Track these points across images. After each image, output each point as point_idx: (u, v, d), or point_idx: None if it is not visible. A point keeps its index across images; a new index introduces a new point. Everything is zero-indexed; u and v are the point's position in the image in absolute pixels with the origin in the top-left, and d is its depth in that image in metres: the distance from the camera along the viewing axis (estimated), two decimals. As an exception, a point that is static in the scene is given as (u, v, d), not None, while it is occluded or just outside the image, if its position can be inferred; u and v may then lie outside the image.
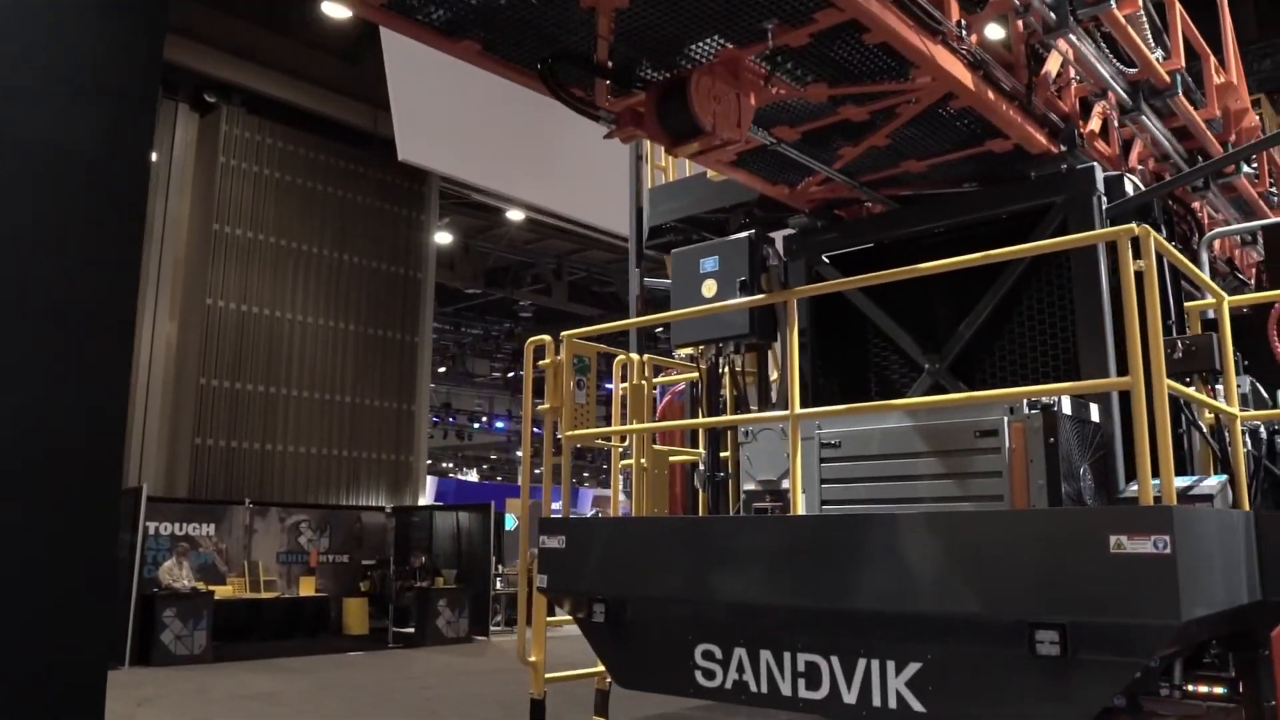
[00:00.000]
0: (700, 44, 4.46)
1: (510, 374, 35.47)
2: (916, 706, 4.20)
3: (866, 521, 4.36)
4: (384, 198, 19.26)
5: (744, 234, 6.31)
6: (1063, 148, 5.43)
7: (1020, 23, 5.17)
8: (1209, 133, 6.39)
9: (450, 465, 46.99)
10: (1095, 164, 5.36)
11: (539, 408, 5.79)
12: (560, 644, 13.95)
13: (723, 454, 6.66)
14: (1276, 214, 7.71)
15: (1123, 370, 5.22)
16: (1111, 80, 5.49)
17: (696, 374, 6.73)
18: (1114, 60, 5.50)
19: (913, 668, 4.23)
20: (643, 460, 6.28)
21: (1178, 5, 5.90)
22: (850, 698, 4.39)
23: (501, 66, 4.57)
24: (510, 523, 18.76)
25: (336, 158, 18.55)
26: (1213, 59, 6.54)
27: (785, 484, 5.36)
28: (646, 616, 5.07)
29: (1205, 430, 4.85)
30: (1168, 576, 3.55)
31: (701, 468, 6.64)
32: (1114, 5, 4.86)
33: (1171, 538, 3.56)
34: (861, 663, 4.37)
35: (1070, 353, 5.40)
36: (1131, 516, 3.67)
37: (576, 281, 30.96)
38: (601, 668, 6.19)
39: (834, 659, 4.45)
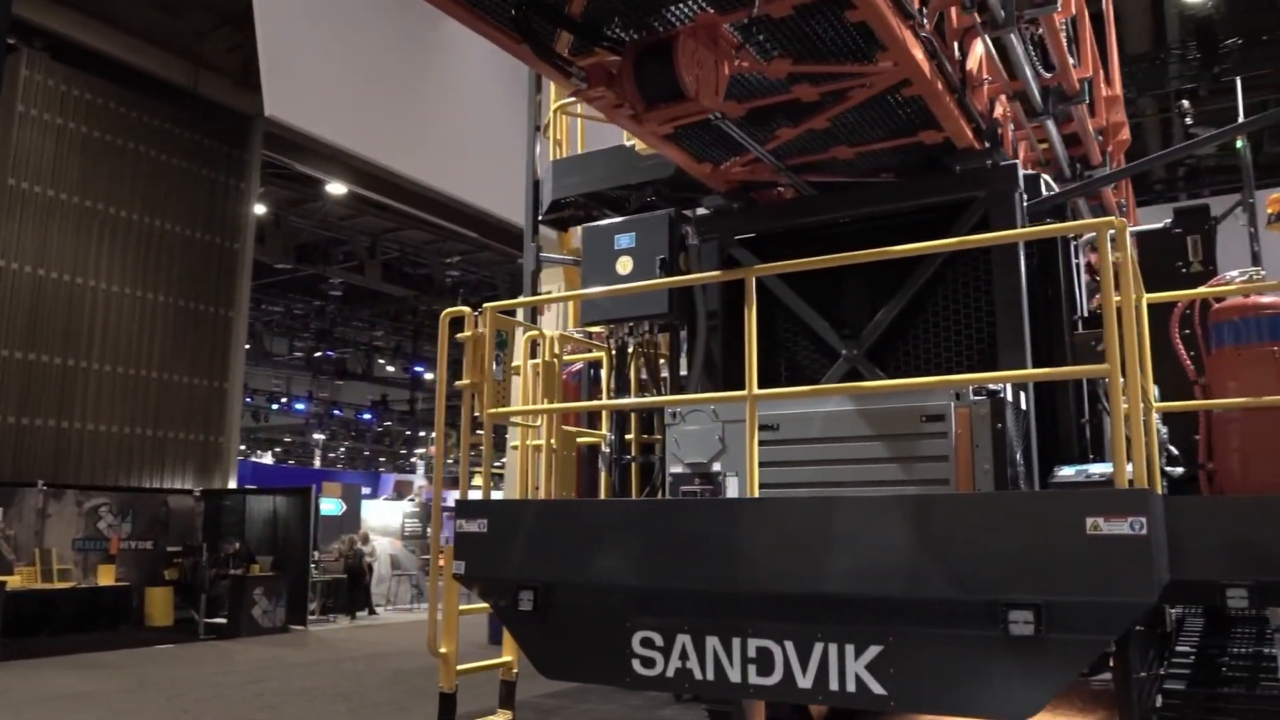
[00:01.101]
0: (679, 5, 4.17)
1: (317, 353, 33.66)
2: (877, 689, 4.10)
3: (831, 504, 4.22)
4: (201, 162, 17.68)
5: (662, 211, 6.08)
6: (986, 144, 5.50)
7: (955, 15, 5.19)
8: (1095, 141, 6.71)
9: (244, 448, 44.25)
10: (1017, 162, 5.46)
11: (457, 384, 5.33)
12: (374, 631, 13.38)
13: (626, 436, 6.42)
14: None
15: (1040, 361, 5.36)
16: (1031, 82, 5.62)
17: (597, 354, 6.43)
18: (1035, 63, 5.64)
19: (873, 651, 4.12)
20: (552, 441, 5.93)
21: (1086, 17, 6.14)
22: (805, 682, 4.23)
23: (468, 14, 4.11)
24: (337, 507, 17.71)
25: (150, 115, 16.85)
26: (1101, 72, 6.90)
27: (716, 467, 5.17)
28: (579, 604, 4.74)
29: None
30: (1143, 556, 3.59)
31: (606, 449, 6.36)
32: (1058, 7, 4.96)
33: (1148, 519, 3.61)
34: (818, 647, 4.23)
35: (986, 342, 5.47)
36: (1109, 499, 3.69)
37: (389, 261, 29.74)
38: (506, 658, 5.80)
39: (788, 644, 4.29)
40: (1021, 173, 5.45)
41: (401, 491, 32.13)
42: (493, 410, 5.19)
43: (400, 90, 10.60)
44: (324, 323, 31.80)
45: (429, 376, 37.07)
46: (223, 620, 14.83)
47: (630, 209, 7.06)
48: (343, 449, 46.28)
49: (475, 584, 5.03)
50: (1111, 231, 3.87)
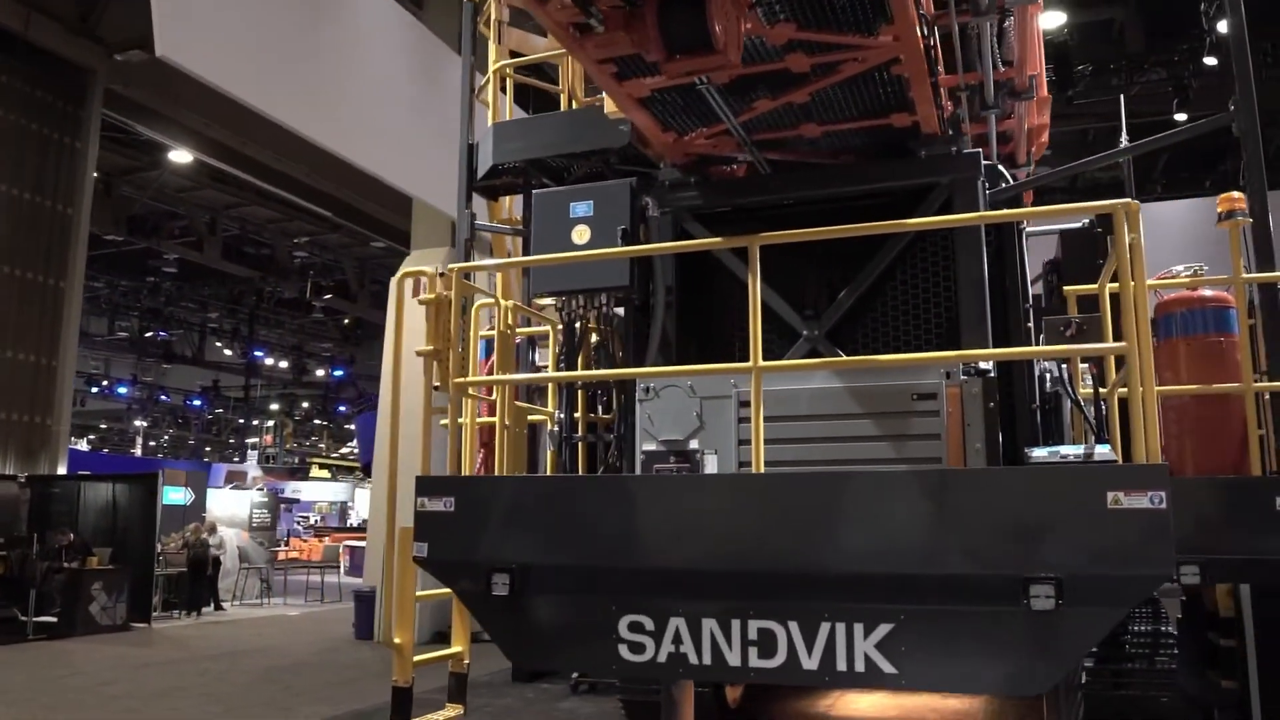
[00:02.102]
0: (703, -48, 3.90)
1: (147, 333, 31.20)
2: (887, 668, 3.98)
3: (843, 480, 4.07)
4: (32, 116, 15.96)
5: (623, 180, 5.80)
6: (950, 131, 5.51)
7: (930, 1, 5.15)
8: (1024, 141, 6.89)
9: (53, 434, 40.65)
10: (980, 151, 5.49)
11: (418, 350, 4.87)
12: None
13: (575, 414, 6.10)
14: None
15: (1000, 342, 5.40)
16: (989, 74, 5.67)
17: (541, 328, 6.07)
18: (996, 55, 5.69)
19: (883, 629, 4.00)
20: (505, 418, 5.54)
21: (1038, 15, 6.26)
22: (811, 663, 4.07)
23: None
24: (186, 496, 16.35)
25: (-28, 61, 15.09)
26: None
27: (693, 444, 4.94)
28: (560, 588, 4.41)
29: (1081, 402, 5.12)
30: (1163, 530, 3.62)
31: (555, 428, 6.02)
32: (1042, -2, 5.01)
33: (1167, 494, 3.63)
34: (825, 627, 4.07)
35: (946, 325, 5.47)
36: (1130, 474, 3.70)
37: (229, 239, 27.91)
38: (457, 648, 5.38)
39: (792, 625, 4.11)
40: (983, 162, 5.49)
41: (234, 482, 30.29)
42: (460, 380, 4.77)
43: (298, 44, 9.83)
44: (155, 301, 29.51)
45: (269, 361, 35.12)
46: (53, 619, 13.42)
47: (570, 179, 6.73)
48: (166, 437, 43.21)
49: (439, 568, 4.61)
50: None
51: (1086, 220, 6.54)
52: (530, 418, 6.24)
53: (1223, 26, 12.53)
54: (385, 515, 4.94)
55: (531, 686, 10.48)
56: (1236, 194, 4.92)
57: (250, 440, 41.22)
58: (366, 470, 39.57)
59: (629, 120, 6.14)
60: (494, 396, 6.32)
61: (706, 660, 4.19)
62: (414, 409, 14.54)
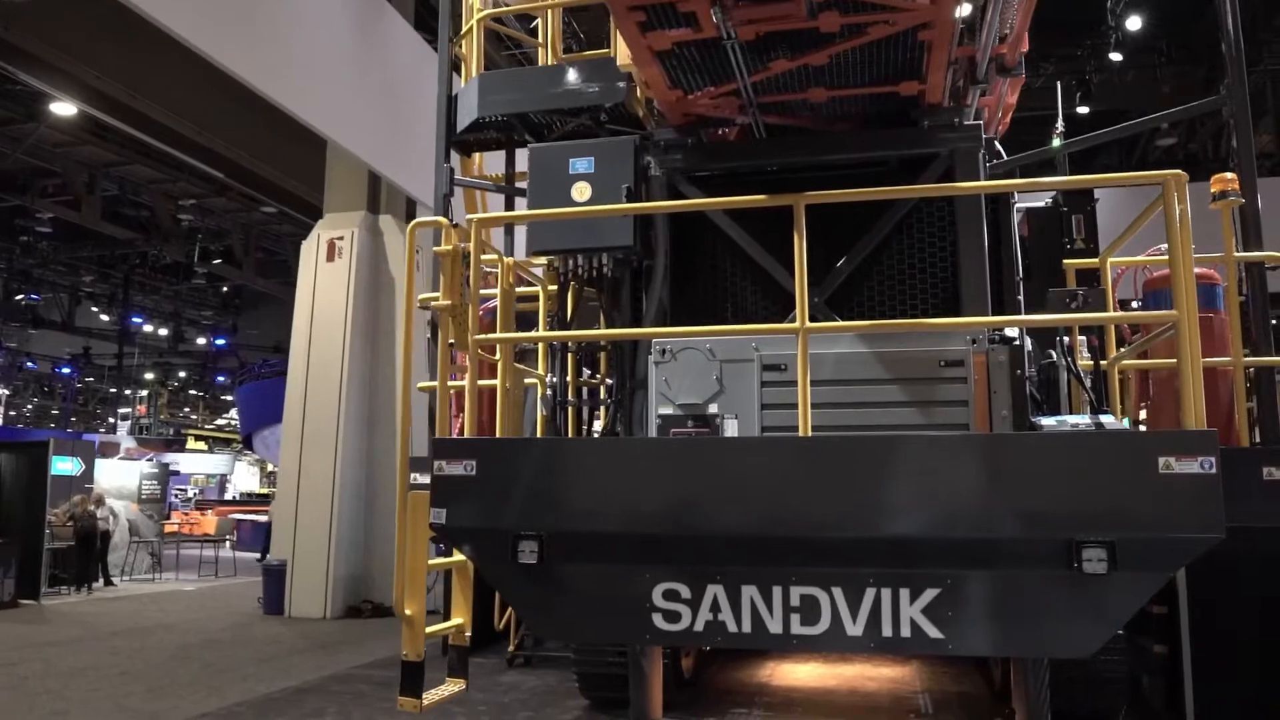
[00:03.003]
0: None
1: (20, 297, 28.82)
2: (933, 633, 3.91)
3: (894, 443, 3.96)
4: (-102, 55, 14.41)
5: (625, 137, 5.54)
6: (952, 102, 5.45)
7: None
8: (998, 118, 6.93)
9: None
10: (981, 123, 5.45)
11: (434, 303, 4.50)
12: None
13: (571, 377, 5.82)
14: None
15: (998, 310, 5.39)
16: (984, 48, 5.63)
17: (532, 288, 5.76)
18: (995, 28, 5.65)
19: (929, 594, 3.93)
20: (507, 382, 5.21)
21: (1030, -9, 6.24)
22: (855, 629, 3.97)
23: None
24: (76, 466, 15.14)
25: None
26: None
27: (713, 408, 4.75)
28: (590, 555, 4.17)
29: (1080, 373, 5.17)
30: (1213, 494, 3.64)
31: (549, 392, 5.72)
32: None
33: (1216, 459, 3.65)
34: (870, 593, 3.98)
35: (945, 293, 5.43)
36: (1180, 440, 3.71)
37: (108, 199, 26.02)
38: (457, 620, 5.06)
39: (836, 591, 4.00)
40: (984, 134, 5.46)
41: (106, 453, 28.43)
42: (480, 336, 4.43)
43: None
44: (25, 263, 27.31)
45: (148, 328, 33.03)
46: (-71, 597, 12.30)
47: (552, 137, 6.41)
48: (29, 406, 40.21)
49: (459, 535, 4.30)
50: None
51: (1050, 198, 6.63)
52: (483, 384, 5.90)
53: (1132, 23, 13.09)
54: (400, 476, 4.54)
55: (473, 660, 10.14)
56: (1229, 174, 5.03)
57: (122, 410, 38.80)
58: (247, 443, 37.88)
59: (626, 76, 5.89)
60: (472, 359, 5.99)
61: (746, 628, 4.04)
62: (326, 366, 13.73)
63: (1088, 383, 5.11)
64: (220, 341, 35.54)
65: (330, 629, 12.30)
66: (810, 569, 4.01)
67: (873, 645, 3.96)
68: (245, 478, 39.61)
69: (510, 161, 6.61)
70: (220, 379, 41.92)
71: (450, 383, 5.89)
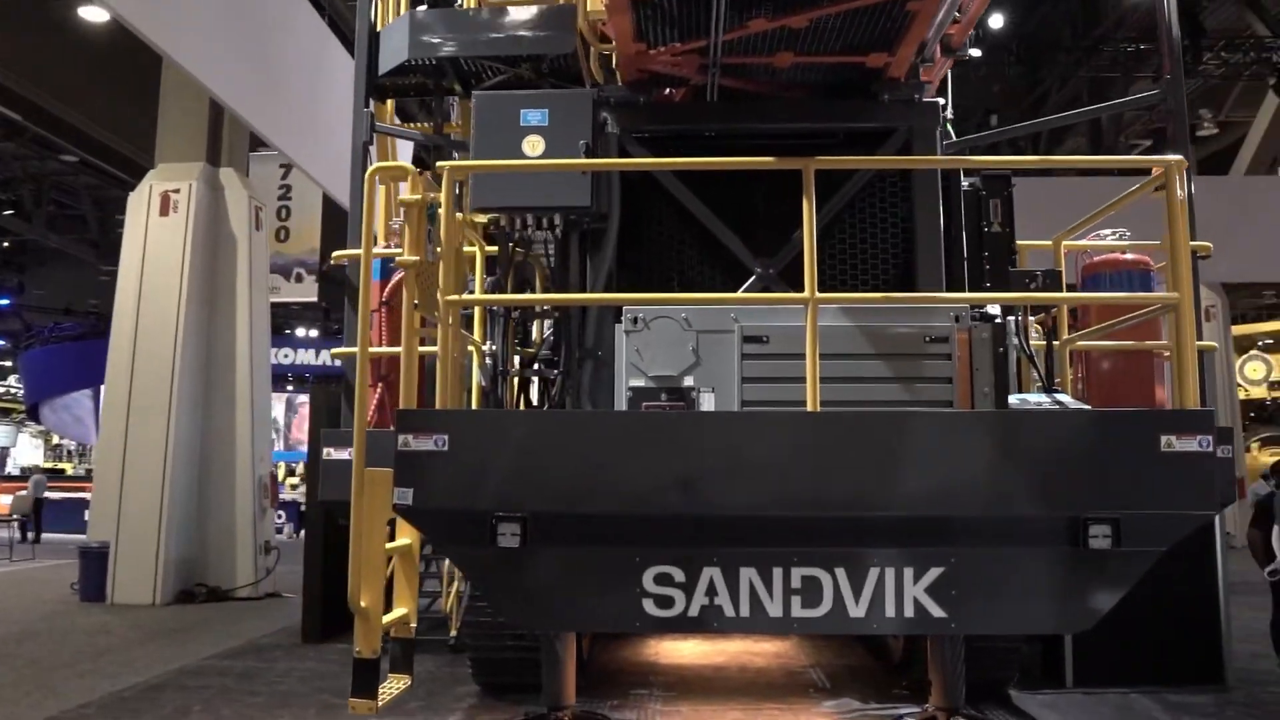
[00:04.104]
0: None
1: None
2: (937, 612, 3.80)
3: (900, 420, 3.81)
4: None
5: (582, 90, 5.14)
6: (913, 78, 5.37)
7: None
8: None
9: None
10: (940, 100, 5.39)
11: (399, 260, 3.94)
12: None
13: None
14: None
15: (953, 286, 5.36)
16: (938, 25, 5.56)
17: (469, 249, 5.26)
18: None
19: (933, 573, 3.82)
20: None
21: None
22: (858, 611, 3.80)
23: None
24: None
25: None
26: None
27: (688, 381, 4.46)
28: (576, 538, 3.80)
29: (1033, 353, 5.21)
30: (1209, 471, 3.70)
31: (488, 361, 5.25)
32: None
33: (1214, 437, 3.71)
34: (873, 573, 3.82)
35: (899, 267, 5.37)
36: (1180, 418, 3.75)
37: None
38: (401, 610, 4.53)
39: (839, 571, 3.82)
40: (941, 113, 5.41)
41: None
42: (452, 298, 3.92)
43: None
44: None
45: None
46: None
47: (481, 86, 5.87)
48: None
49: (427, 518, 3.82)
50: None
51: (970, 183, 6.72)
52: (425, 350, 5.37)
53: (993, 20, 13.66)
54: (356, 452, 3.97)
55: (328, 647, 9.43)
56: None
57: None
58: (32, 413, 34.32)
59: (572, 25, 5.46)
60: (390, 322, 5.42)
61: (744, 612, 3.80)
62: (157, 330, 12.47)
63: (1038, 362, 5.18)
64: (3, 301, 31.94)
65: (163, 616, 11.17)
66: (813, 549, 3.81)
67: (876, 626, 3.81)
68: (28, 450, 35.98)
69: (440, 111, 6.02)
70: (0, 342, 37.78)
71: (375, 349, 5.33)
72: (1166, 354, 5.39)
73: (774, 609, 3.79)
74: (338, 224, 24.44)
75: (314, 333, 33.64)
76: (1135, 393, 5.30)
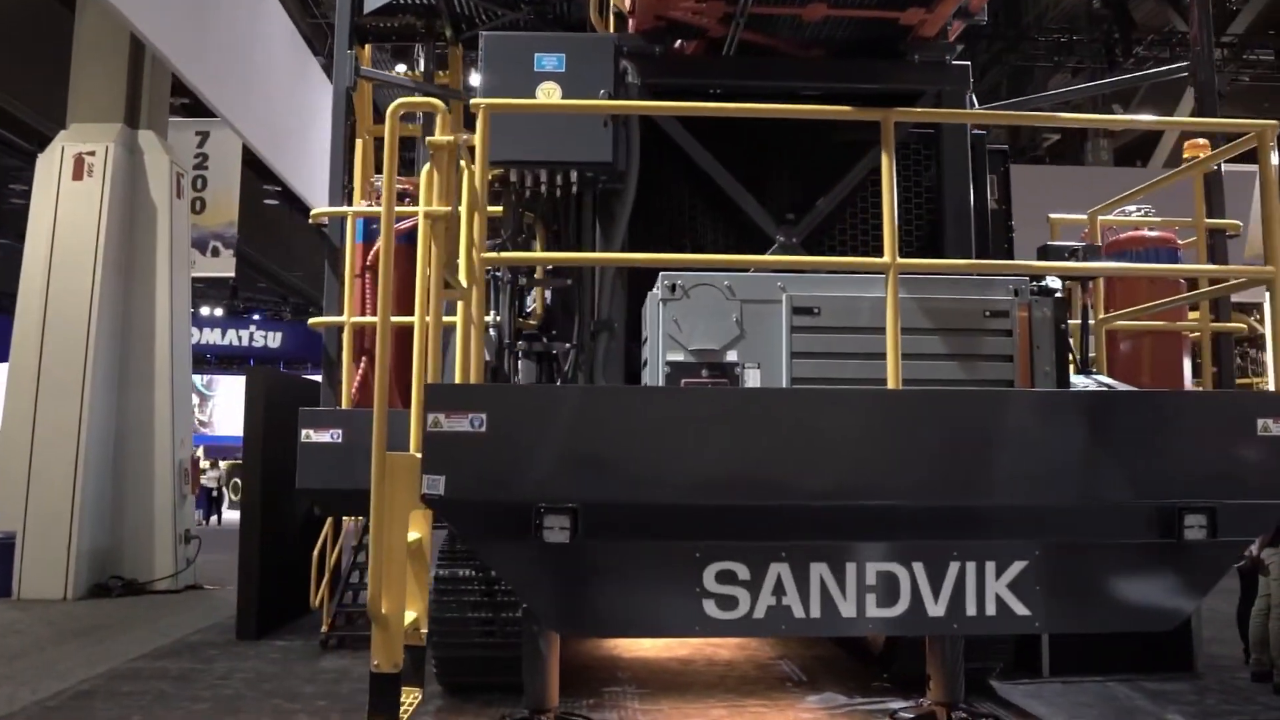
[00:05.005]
0: None
1: None
2: (1020, 610, 3.45)
3: (989, 400, 3.44)
4: None
5: (603, 34, 4.63)
6: (944, 38, 5.01)
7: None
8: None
9: None
10: (969, 64, 5.05)
11: (426, 210, 3.36)
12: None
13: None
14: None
15: (982, 254, 5.05)
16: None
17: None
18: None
19: (1016, 567, 3.47)
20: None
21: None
22: (938, 609, 3.42)
23: None
24: None
25: None
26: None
27: (731, 355, 4.00)
28: (631, 531, 3.32)
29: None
30: (1307, 456, 3.43)
31: (492, 333, 4.69)
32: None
33: (1308, 420, 3.45)
34: (953, 567, 3.45)
35: (924, 238, 5.03)
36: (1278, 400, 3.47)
37: None
38: (412, 616, 3.95)
39: (917, 566, 3.43)
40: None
41: None
42: (488, 255, 3.36)
43: None
44: None
45: None
46: None
47: (468, 32, 5.30)
48: None
49: (461, 510, 3.28)
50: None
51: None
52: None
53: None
54: (377, 432, 3.37)
55: (267, 645, 8.69)
56: (1201, 140, 4.97)
57: None
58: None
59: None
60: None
61: (815, 613, 3.38)
62: (69, 303, 11.39)
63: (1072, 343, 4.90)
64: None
65: (78, 612, 10.20)
66: (889, 542, 3.41)
67: (956, 626, 3.45)
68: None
69: (430, 58, 5.40)
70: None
71: (359, 319, 4.73)
72: (1193, 335, 5.21)
73: (847, 608, 3.38)
74: (258, 196, 23.16)
75: (219, 311, 31.98)
76: (1162, 375, 5.07)
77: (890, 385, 3.41)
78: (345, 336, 4.71)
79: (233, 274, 17.46)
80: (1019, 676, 7.38)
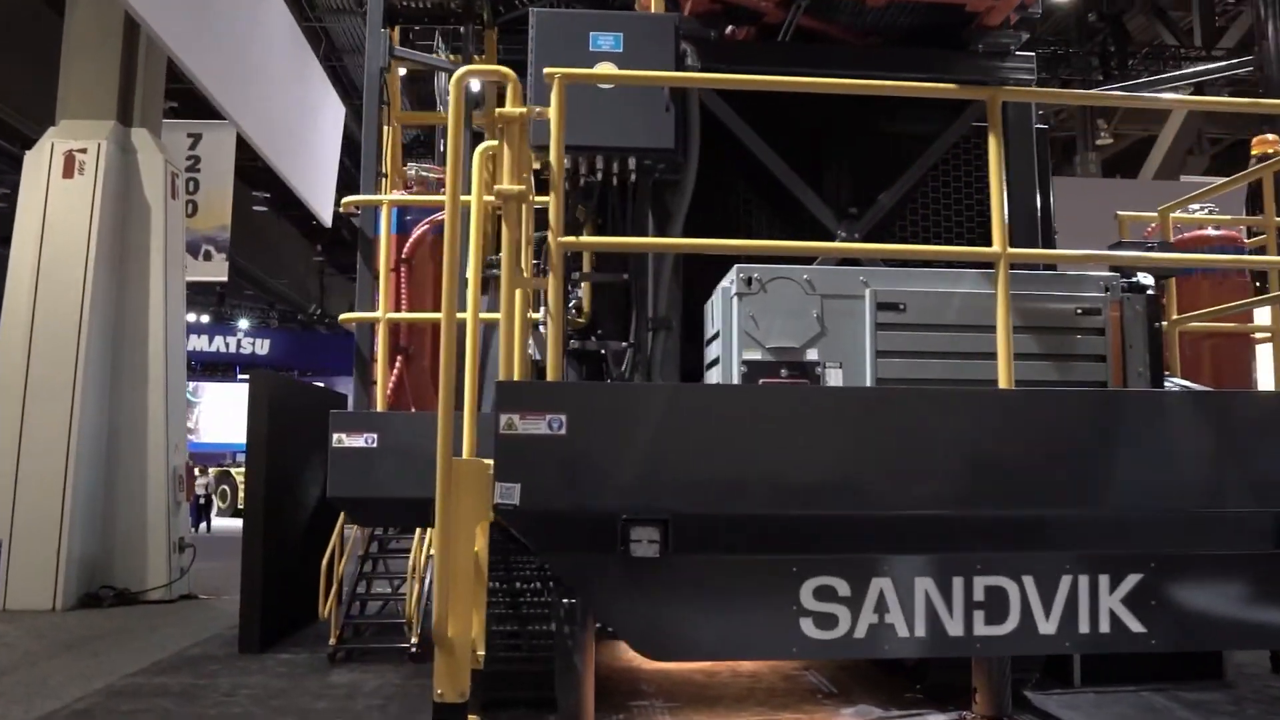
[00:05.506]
0: None
1: None
2: (1135, 627, 3.18)
3: (1113, 400, 3.16)
4: None
5: (664, 14, 4.33)
6: (1006, 28, 4.75)
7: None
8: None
9: None
10: (1034, 53, 4.79)
11: (499, 189, 3.02)
12: None
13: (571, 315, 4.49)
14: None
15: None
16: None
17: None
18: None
19: (1131, 581, 3.19)
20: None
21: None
22: (1049, 627, 3.14)
23: None
24: None
25: None
26: None
27: (811, 354, 3.70)
28: (725, 544, 3.01)
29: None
30: None
31: (542, 330, 4.35)
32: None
33: None
34: (1065, 581, 3.16)
35: (986, 228, 4.76)
36: (1407, 401, 3.22)
37: None
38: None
39: (1027, 580, 3.15)
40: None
41: None
42: (566, 239, 3.04)
43: None
44: None
45: None
46: None
47: (506, 15, 4.98)
48: None
49: (537, 522, 2.94)
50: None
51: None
52: (483, 316, 4.46)
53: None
54: (442, 435, 3.02)
55: (271, 658, 8.27)
56: (1271, 136, 4.75)
57: None
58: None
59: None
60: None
61: (920, 631, 3.09)
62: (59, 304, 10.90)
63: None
64: None
65: (68, 624, 9.73)
66: (998, 554, 3.12)
67: (1068, 644, 3.16)
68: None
69: (469, 39, 5.06)
70: None
71: (394, 315, 4.39)
72: (1260, 336, 4.98)
73: (954, 626, 3.08)
74: (245, 202, 22.65)
75: (205, 318, 31.33)
76: (1231, 378, 4.83)
77: (1002, 385, 3.12)
78: (380, 333, 4.37)
79: (225, 278, 17.01)
80: (1050, 686, 7.14)
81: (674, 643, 3.01)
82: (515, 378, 3.18)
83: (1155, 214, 5.01)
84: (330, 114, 15.74)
